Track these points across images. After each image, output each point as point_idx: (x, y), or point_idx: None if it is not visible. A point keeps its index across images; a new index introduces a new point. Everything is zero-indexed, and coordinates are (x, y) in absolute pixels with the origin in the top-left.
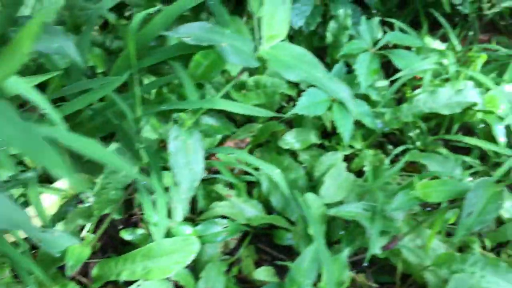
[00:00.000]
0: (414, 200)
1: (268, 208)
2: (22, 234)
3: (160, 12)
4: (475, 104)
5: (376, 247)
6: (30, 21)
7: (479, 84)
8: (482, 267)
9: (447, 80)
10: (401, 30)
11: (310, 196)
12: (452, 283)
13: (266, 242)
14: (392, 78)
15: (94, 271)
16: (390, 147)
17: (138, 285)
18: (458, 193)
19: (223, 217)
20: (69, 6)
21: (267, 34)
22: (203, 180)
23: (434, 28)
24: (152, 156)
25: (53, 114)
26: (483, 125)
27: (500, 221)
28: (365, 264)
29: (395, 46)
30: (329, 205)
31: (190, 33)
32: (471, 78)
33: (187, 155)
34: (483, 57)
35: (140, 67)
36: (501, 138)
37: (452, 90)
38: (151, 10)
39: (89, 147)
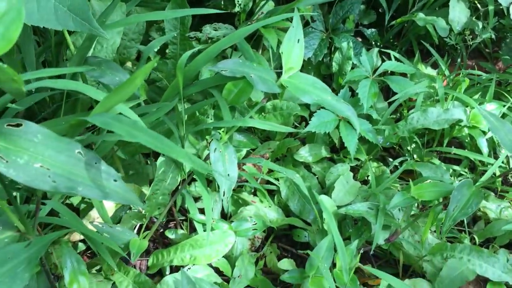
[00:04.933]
0: (410, 199)
1: (287, 212)
2: (92, 229)
3: (202, 51)
4: (460, 121)
5: (380, 239)
6: (144, 66)
7: (465, 104)
8: (468, 253)
9: (437, 101)
10: (397, 59)
11: (324, 197)
12: (445, 269)
13: (286, 241)
14: (390, 100)
15: (149, 261)
16: (391, 159)
17: (189, 268)
18: (446, 193)
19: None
20: None
21: (286, 66)
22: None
23: (428, 55)
24: (198, 164)
25: (149, 131)
26: (469, 139)
27: (487, 221)
28: (372, 253)
29: (392, 73)
30: (339, 207)
31: (226, 67)
32: (457, 99)
33: (224, 164)
34: (466, 81)
35: (185, 95)
36: (484, 149)
37: (440, 109)
38: (192, 51)
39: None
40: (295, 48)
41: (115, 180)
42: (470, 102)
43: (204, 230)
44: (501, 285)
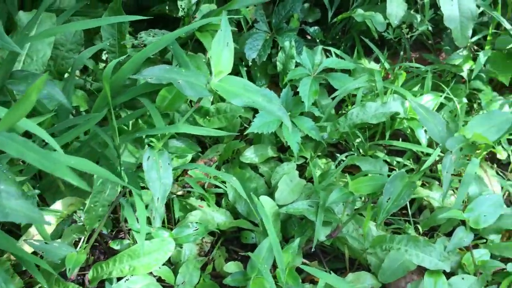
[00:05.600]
0: (348, 194)
1: (236, 214)
2: (28, 249)
3: (129, 59)
4: (398, 114)
5: (322, 235)
6: (36, 82)
7: (404, 97)
8: (406, 244)
9: (377, 95)
10: (339, 56)
11: (264, 198)
12: (387, 260)
13: (237, 244)
14: (332, 96)
15: (89, 274)
16: (338, 155)
17: (126, 279)
18: (381, 186)
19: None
20: (54, 57)
21: (215, 70)
22: (179, 195)
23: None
24: (131, 175)
25: (54, 144)
26: (410, 131)
27: (432, 210)
28: (318, 249)
29: (334, 70)
30: (283, 206)
31: (152, 74)
32: (395, 92)
33: (158, 172)
34: (404, 75)
35: (115, 104)
36: (423, 139)
37: (378, 103)
38: (117, 60)
39: (85, 165)
40: (224, 51)
41: (16, 199)
42: (406, 95)
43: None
44: (439, 273)
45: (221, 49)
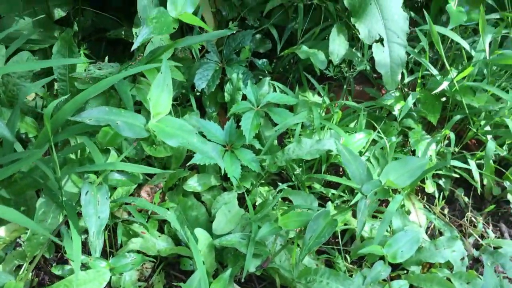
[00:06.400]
0: (277, 228)
1: (177, 240)
2: None
3: (70, 99)
4: (331, 151)
5: (252, 267)
6: None
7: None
8: (328, 277)
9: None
10: (282, 90)
11: (198, 230)
12: None
13: (177, 269)
14: (275, 129)
15: None
16: (280, 184)
17: None
18: (307, 222)
19: (138, 251)
20: (5, 83)
21: (154, 111)
22: (124, 220)
23: (320, 82)
24: (69, 207)
25: None
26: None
27: (363, 239)
28: (243, 280)
29: (277, 104)
30: (219, 236)
31: (90, 116)
32: (331, 129)
33: (96, 206)
34: (339, 114)
35: (56, 141)
36: None
37: (314, 140)
38: (58, 100)
39: (7, 213)
40: (163, 93)
41: None
42: (340, 132)
43: (82, 269)
44: None
45: (160, 91)
